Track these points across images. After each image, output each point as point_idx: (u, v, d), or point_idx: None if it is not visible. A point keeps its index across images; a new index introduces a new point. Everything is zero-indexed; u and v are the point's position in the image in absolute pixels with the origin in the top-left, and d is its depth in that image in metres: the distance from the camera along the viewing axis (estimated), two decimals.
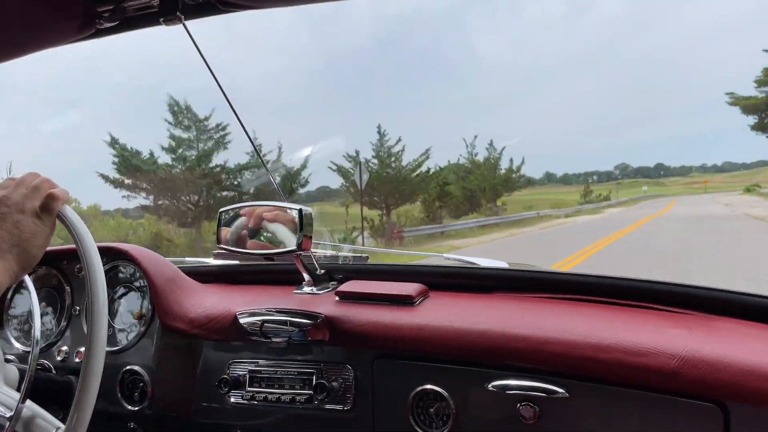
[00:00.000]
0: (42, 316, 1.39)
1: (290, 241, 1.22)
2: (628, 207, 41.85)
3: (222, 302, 1.28)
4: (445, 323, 1.07)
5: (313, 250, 1.30)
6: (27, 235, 0.82)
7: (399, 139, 25.12)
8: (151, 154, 18.18)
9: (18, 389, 1.01)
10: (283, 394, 1.16)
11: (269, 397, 1.17)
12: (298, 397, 1.15)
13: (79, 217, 0.88)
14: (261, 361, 1.20)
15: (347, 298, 1.21)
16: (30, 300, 1.10)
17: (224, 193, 19.16)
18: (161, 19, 1.09)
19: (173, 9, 1.07)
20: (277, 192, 1.53)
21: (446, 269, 1.37)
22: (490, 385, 1.00)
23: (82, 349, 1.31)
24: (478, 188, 28.74)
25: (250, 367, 1.21)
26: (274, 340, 1.17)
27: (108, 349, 1.15)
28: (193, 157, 18.58)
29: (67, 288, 1.40)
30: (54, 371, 1.32)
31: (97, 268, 0.85)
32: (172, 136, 18.65)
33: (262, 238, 1.28)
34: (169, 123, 18.65)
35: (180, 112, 18.72)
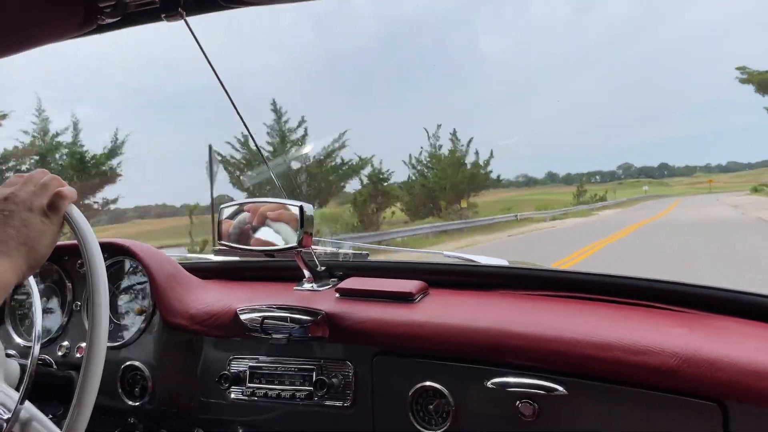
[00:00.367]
0: (43, 311, 1.40)
1: (291, 238, 1.22)
2: (625, 208, 38.18)
3: (223, 298, 1.28)
4: (445, 320, 1.07)
5: (313, 246, 1.30)
6: (35, 233, 0.81)
7: (302, 121, 21.08)
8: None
9: (18, 385, 1.01)
10: (283, 390, 1.17)
11: (269, 393, 1.18)
12: (298, 394, 1.15)
13: (82, 214, 0.88)
14: (261, 358, 1.21)
15: (347, 294, 1.21)
16: (31, 295, 1.10)
17: None
18: (163, 15, 1.09)
19: (175, 5, 1.07)
20: (278, 189, 1.53)
21: (446, 266, 1.37)
22: (489, 383, 1.00)
23: (83, 344, 1.32)
24: (438, 187, 25.17)
25: (250, 364, 1.21)
26: (274, 336, 1.17)
27: (109, 344, 1.15)
28: None
29: (69, 284, 1.40)
30: (55, 366, 1.32)
31: (99, 264, 0.85)
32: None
33: (262, 234, 1.28)
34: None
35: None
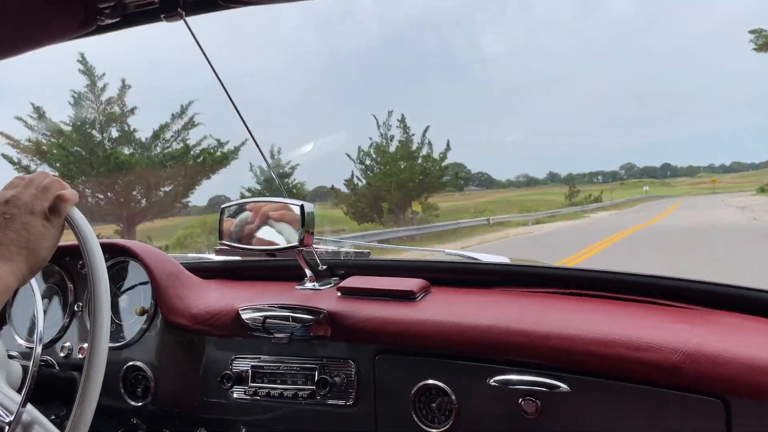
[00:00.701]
0: (45, 312, 1.40)
1: (292, 237, 1.22)
2: (623, 210, 34.85)
3: (224, 298, 1.28)
4: (447, 318, 1.07)
5: (314, 245, 1.30)
6: (36, 236, 0.81)
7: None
8: None
9: (21, 387, 1.01)
10: (285, 389, 1.17)
11: (272, 392, 1.18)
12: (300, 393, 1.15)
13: (83, 215, 0.89)
14: (263, 357, 1.21)
15: (349, 293, 1.21)
16: (33, 297, 1.10)
17: None
18: (162, 15, 1.09)
19: (174, 5, 1.07)
20: (279, 188, 1.53)
21: (448, 265, 1.37)
22: (492, 380, 1.00)
23: (85, 345, 1.31)
24: (383, 186, 21.42)
25: (252, 363, 1.21)
26: (276, 335, 1.17)
27: (111, 345, 1.16)
28: None
29: (70, 285, 1.40)
30: (57, 367, 1.32)
31: (100, 265, 0.85)
32: None
33: (264, 234, 1.28)
34: None
35: None
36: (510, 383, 0.99)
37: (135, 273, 1.37)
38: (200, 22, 1.15)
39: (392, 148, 22.68)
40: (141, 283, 1.35)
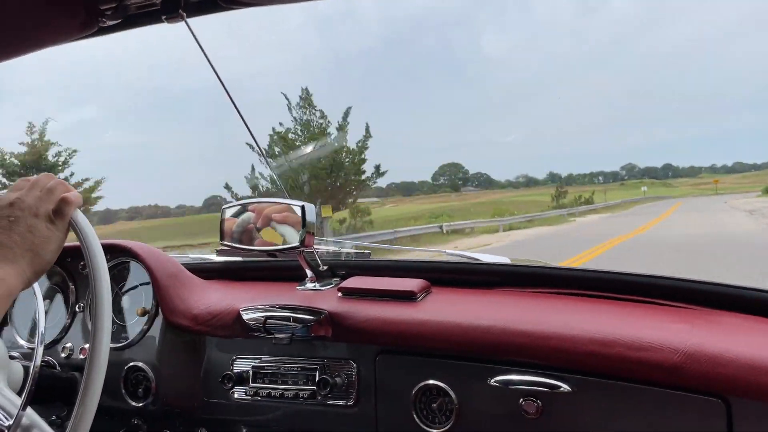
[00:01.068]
0: (46, 313, 1.40)
1: (293, 238, 1.22)
2: (616, 212, 31.23)
3: (225, 298, 1.29)
4: (448, 318, 1.07)
5: (315, 246, 1.30)
6: (40, 239, 0.81)
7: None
8: None
9: (21, 388, 1.01)
10: (286, 390, 1.17)
11: (273, 393, 1.18)
12: (301, 393, 1.16)
13: (84, 216, 0.89)
14: (264, 357, 1.21)
15: (350, 294, 1.22)
16: (34, 297, 1.11)
17: None
18: (163, 17, 1.09)
19: (175, 6, 1.07)
20: (280, 189, 1.53)
21: (448, 265, 1.38)
22: (492, 381, 1.00)
23: (86, 345, 1.32)
24: (287, 181, 15.14)
25: (253, 363, 1.21)
26: (277, 336, 1.17)
27: (112, 345, 1.16)
28: None
29: (71, 285, 1.41)
30: (58, 368, 1.32)
31: (101, 265, 0.85)
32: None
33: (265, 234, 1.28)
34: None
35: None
36: (511, 383, 0.99)
37: (136, 273, 1.37)
38: (202, 23, 1.15)
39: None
40: (142, 284, 1.35)
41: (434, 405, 1.06)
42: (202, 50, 1.24)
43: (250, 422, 1.22)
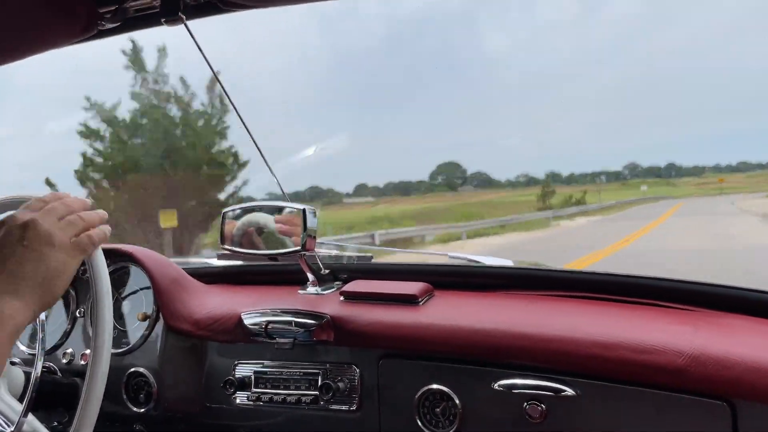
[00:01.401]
0: (47, 318, 1.39)
1: (294, 242, 1.22)
2: (609, 215, 27.53)
3: (226, 303, 1.28)
4: (450, 322, 1.06)
5: (317, 249, 1.29)
6: (52, 272, 0.73)
7: None
8: None
9: (22, 395, 1.01)
10: (288, 395, 1.16)
11: (275, 398, 1.17)
12: (303, 398, 1.15)
13: None
14: (266, 362, 1.20)
15: (352, 298, 1.21)
16: None
17: None
18: (163, 20, 1.09)
19: (175, 9, 1.07)
20: (280, 192, 1.52)
21: (451, 268, 1.37)
22: (496, 385, 1.00)
23: (88, 351, 1.31)
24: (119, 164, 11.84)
25: (255, 368, 1.21)
26: (279, 340, 1.16)
27: (113, 351, 1.15)
28: None
29: (72, 290, 1.40)
30: (59, 374, 1.32)
31: (102, 270, 0.85)
32: None
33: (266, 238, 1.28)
34: None
35: None
36: (514, 387, 0.98)
37: (137, 278, 1.36)
38: (201, 25, 1.15)
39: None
40: (143, 288, 1.35)
41: (438, 409, 1.05)
42: (202, 53, 1.24)
43: (252, 428, 1.22)
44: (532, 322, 1.02)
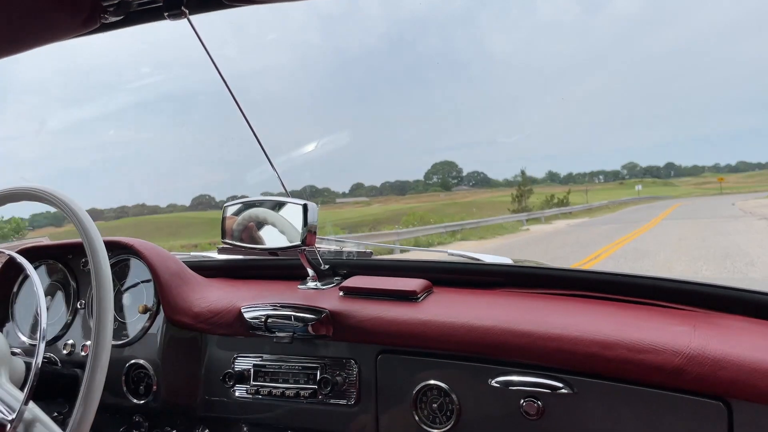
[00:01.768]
0: (48, 309, 1.40)
1: (295, 237, 1.22)
2: (595, 216, 24.77)
3: (226, 297, 1.29)
4: (449, 319, 1.07)
5: (317, 245, 1.30)
6: None
7: None
8: None
9: (23, 384, 1.02)
10: (287, 388, 1.17)
11: (273, 391, 1.18)
12: (302, 392, 1.16)
13: (85, 211, 0.89)
14: (265, 356, 1.21)
15: (351, 293, 1.21)
16: (36, 294, 1.11)
17: None
18: (166, 14, 1.09)
19: (178, 3, 1.07)
20: (282, 188, 1.52)
21: (450, 265, 1.37)
22: (493, 381, 1.00)
23: (88, 342, 1.32)
24: None
25: (254, 362, 1.21)
26: (278, 334, 1.17)
27: (113, 342, 1.16)
28: None
29: (73, 282, 1.41)
30: (60, 364, 1.32)
31: (103, 262, 0.85)
32: None
33: (266, 232, 1.28)
34: None
35: None
36: (511, 384, 0.99)
37: (138, 271, 1.37)
38: (204, 20, 1.15)
39: None
40: (144, 281, 1.35)
41: (435, 405, 1.06)
42: (205, 47, 1.24)
43: (251, 420, 1.22)
44: (530, 320, 1.03)
